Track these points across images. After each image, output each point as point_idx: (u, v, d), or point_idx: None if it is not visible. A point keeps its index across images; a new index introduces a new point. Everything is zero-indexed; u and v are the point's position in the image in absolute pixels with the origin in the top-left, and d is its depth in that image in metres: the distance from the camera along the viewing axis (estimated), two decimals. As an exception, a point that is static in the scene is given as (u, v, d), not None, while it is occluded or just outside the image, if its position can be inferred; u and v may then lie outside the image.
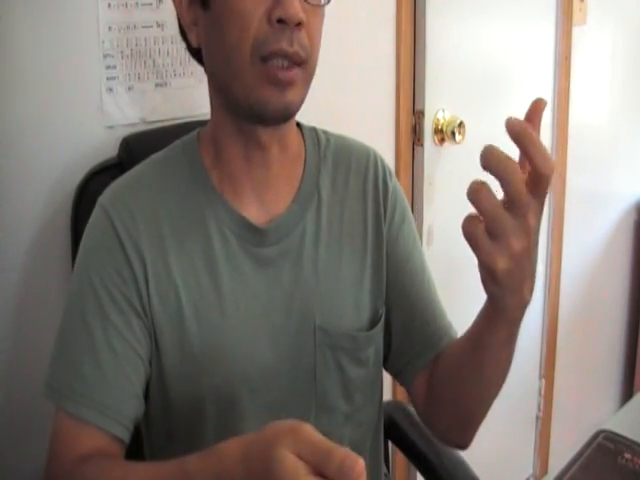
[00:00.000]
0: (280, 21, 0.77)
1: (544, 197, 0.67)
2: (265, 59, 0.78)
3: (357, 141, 1.01)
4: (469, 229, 0.66)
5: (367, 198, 0.96)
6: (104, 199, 0.88)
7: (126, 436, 0.83)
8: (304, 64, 0.80)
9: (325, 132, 0.99)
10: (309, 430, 0.58)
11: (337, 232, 0.93)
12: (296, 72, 0.79)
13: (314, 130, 0.98)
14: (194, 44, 0.86)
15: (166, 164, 0.91)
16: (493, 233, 0.65)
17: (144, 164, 0.92)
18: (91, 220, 0.88)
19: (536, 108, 0.68)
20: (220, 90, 0.85)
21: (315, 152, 0.96)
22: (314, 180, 0.93)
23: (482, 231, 0.66)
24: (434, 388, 0.94)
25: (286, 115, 0.83)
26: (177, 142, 0.93)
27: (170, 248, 0.86)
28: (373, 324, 0.94)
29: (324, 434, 0.89)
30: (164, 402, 0.88)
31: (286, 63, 0.78)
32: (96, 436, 0.80)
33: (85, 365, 0.82)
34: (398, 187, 1.00)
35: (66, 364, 0.83)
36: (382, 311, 0.96)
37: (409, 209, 1.01)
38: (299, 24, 0.77)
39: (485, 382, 0.85)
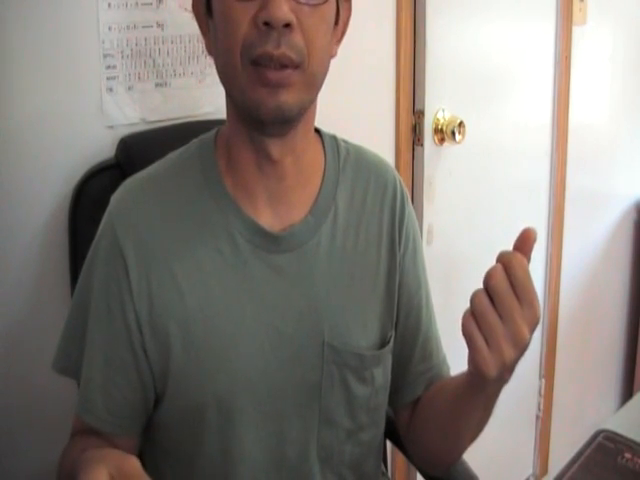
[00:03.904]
0: (266, 24, 0.75)
1: (534, 311, 0.69)
2: (255, 62, 0.77)
3: (376, 156, 0.99)
4: (468, 329, 0.69)
5: (383, 219, 0.94)
6: (113, 205, 0.88)
7: (105, 428, 0.87)
8: (300, 66, 0.78)
9: (345, 141, 0.97)
10: (134, 462, 0.63)
11: (351, 249, 0.91)
12: (289, 73, 0.77)
13: (334, 138, 0.96)
14: (207, 51, 0.86)
15: (180, 165, 0.90)
16: (488, 339, 0.68)
17: (159, 163, 0.91)
18: (100, 227, 0.89)
19: (526, 238, 0.69)
20: (227, 95, 0.85)
21: (335, 163, 0.93)
22: (332, 192, 0.91)
23: (481, 336, 0.69)
24: (415, 421, 0.98)
25: (281, 116, 0.80)
26: (195, 141, 0.92)
27: (176, 253, 0.85)
28: (381, 346, 0.93)
29: (325, 448, 0.91)
30: (168, 407, 0.88)
31: (278, 67, 0.77)
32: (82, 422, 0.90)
33: (83, 366, 0.88)
34: (413, 214, 0.98)
35: (69, 357, 0.90)
36: (391, 334, 0.95)
37: (420, 237, 1.00)
38: (287, 25, 0.76)
39: (459, 433, 0.89)
